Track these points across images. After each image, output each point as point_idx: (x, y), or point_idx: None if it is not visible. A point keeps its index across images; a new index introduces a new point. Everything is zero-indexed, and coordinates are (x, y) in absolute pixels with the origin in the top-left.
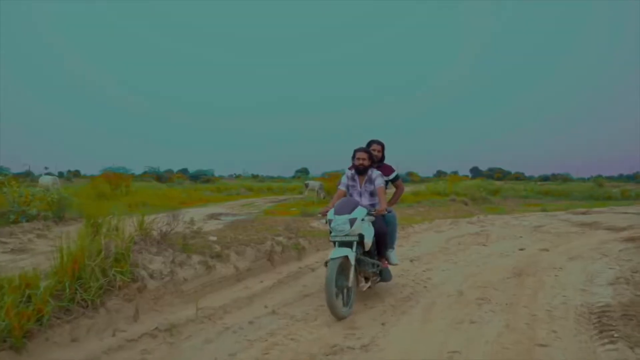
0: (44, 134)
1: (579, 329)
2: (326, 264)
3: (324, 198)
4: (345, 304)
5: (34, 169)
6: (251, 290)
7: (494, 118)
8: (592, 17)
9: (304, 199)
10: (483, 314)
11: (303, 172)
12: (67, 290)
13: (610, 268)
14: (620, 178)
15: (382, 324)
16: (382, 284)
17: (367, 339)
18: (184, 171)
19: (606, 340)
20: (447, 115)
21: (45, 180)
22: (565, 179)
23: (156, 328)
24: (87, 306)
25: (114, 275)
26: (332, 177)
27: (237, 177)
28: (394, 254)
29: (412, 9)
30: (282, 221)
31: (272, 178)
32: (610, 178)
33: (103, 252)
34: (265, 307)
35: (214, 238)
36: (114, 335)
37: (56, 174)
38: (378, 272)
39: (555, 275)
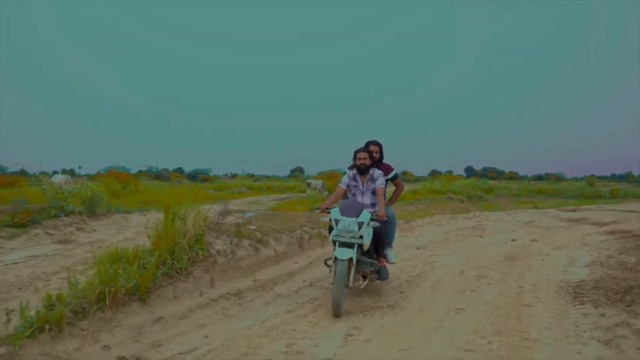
0: (39, 132)
1: (557, 296)
2: (325, 262)
3: (326, 196)
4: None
5: (28, 167)
6: (290, 269)
7: (492, 118)
8: (592, 17)
9: (306, 197)
10: (481, 286)
11: (299, 172)
12: (169, 260)
13: (590, 255)
14: (613, 178)
15: (401, 292)
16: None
17: (392, 302)
18: (179, 170)
19: (577, 303)
20: (446, 116)
21: (57, 179)
22: (558, 178)
23: (228, 292)
24: (181, 273)
25: (196, 251)
26: (329, 176)
27: (233, 176)
28: (391, 252)
29: (412, 9)
30: (301, 215)
31: (267, 177)
32: (603, 178)
33: (188, 234)
34: (304, 281)
35: (254, 227)
36: (200, 295)
37: (51, 172)
38: (376, 270)
39: (542, 260)
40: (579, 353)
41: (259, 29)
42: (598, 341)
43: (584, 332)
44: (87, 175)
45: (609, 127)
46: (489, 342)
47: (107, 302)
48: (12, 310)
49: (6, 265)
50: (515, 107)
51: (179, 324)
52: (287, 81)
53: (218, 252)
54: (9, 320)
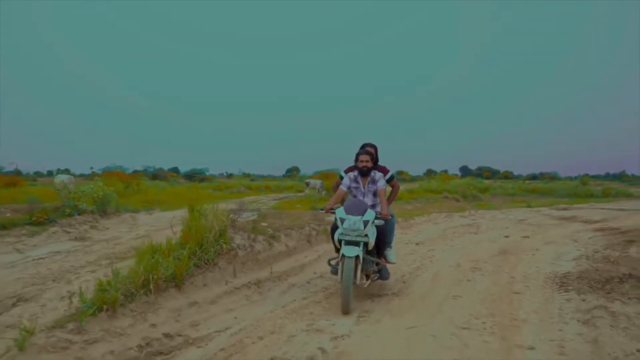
0: (37, 132)
1: (545, 285)
2: (329, 262)
3: (324, 196)
4: None
5: (22, 167)
6: (300, 262)
7: (492, 118)
8: (592, 17)
9: (305, 196)
10: (476, 276)
11: (295, 171)
12: (198, 252)
13: (577, 250)
14: (607, 177)
15: (404, 282)
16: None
17: (396, 290)
18: (174, 170)
19: (562, 291)
20: (445, 116)
21: (60, 178)
22: (552, 177)
23: (249, 282)
24: (209, 264)
25: (221, 245)
26: (325, 176)
27: (229, 176)
28: (391, 252)
29: (412, 9)
30: (306, 213)
31: (262, 177)
32: (597, 177)
33: (213, 229)
34: (315, 273)
35: (265, 224)
36: (226, 284)
37: (45, 172)
38: (378, 270)
39: (533, 254)
40: (560, 330)
41: (259, 29)
42: (578, 321)
43: (567, 314)
44: (83, 176)
45: (607, 127)
46: (483, 322)
47: (151, 287)
48: (73, 294)
49: (34, 260)
50: (515, 107)
51: (210, 308)
52: (287, 81)
53: (238, 246)
54: (71, 302)
